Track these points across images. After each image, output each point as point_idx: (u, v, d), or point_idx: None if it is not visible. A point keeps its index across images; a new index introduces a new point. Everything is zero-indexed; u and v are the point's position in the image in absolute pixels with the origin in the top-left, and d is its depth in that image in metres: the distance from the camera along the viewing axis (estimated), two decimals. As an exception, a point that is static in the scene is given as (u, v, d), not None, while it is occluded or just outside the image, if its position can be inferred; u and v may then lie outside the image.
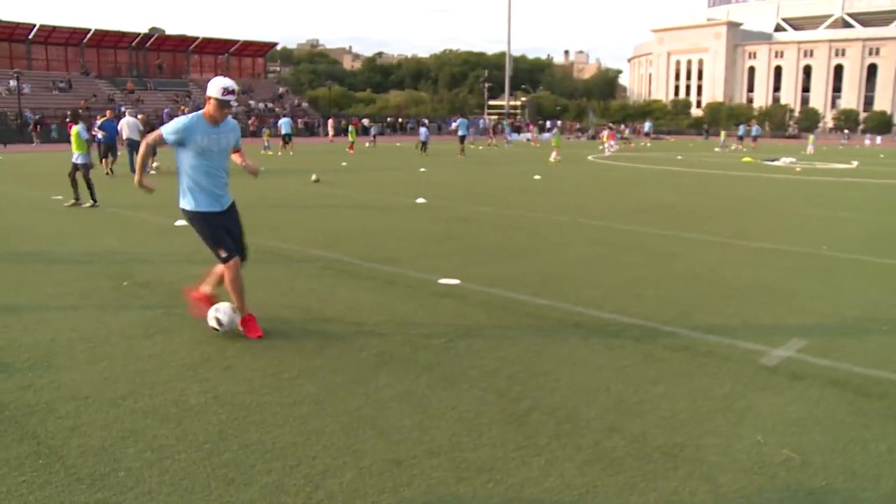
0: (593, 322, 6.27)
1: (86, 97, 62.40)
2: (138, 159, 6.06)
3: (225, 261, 5.85)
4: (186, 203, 5.83)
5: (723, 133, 59.48)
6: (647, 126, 66.50)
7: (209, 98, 5.70)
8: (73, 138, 14.34)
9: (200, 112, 5.81)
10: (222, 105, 5.67)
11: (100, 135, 22.09)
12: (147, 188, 6.02)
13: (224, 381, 4.78)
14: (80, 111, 45.34)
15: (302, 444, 3.87)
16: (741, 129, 55.19)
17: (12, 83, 61.20)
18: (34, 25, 69.01)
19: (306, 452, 3.78)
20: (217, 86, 5.68)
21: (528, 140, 63.84)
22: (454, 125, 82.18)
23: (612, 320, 6.32)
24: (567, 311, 6.62)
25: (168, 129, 5.72)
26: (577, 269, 8.55)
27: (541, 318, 6.40)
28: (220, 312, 5.69)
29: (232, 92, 5.72)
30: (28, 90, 62.96)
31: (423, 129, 43.37)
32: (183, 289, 6.58)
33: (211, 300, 6.04)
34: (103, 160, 22.01)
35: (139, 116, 24.79)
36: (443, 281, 7.70)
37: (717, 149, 51.22)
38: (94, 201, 13.98)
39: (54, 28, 70.31)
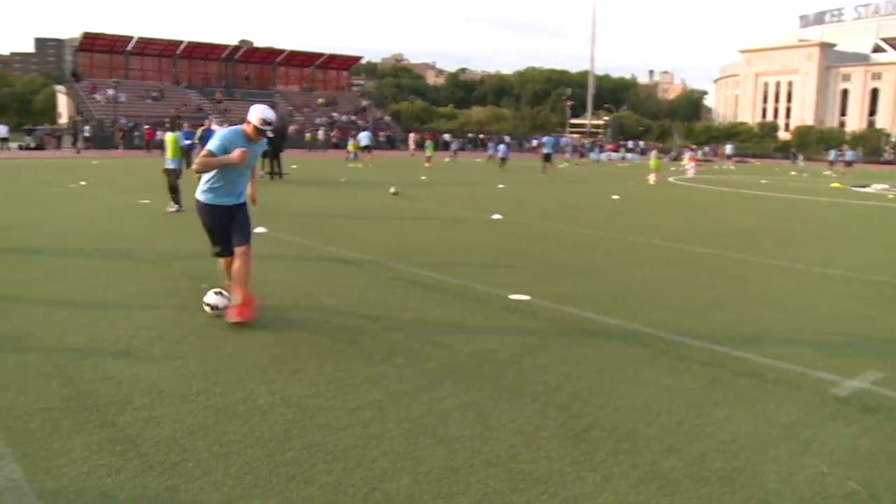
0: (661, 343, 6.24)
1: (176, 106, 64.46)
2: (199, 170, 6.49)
3: (217, 255, 6.77)
4: (203, 196, 6.59)
5: (801, 157, 58.02)
6: (729, 148, 65.10)
7: (250, 122, 6.37)
8: (169, 144, 14.86)
9: (241, 127, 6.49)
10: (259, 132, 6.40)
11: (187, 143, 22.54)
12: None
13: (292, 384, 4.94)
14: (168, 120, 47.00)
15: (362, 448, 3.99)
16: (832, 154, 53.63)
17: (110, 92, 63.81)
18: (132, 38, 71.83)
19: (366, 455, 3.90)
20: (258, 115, 6.35)
21: (608, 160, 63.38)
22: (535, 143, 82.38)
23: (680, 342, 6.29)
24: (635, 331, 6.61)
25: (214, 145, 6.37)
26: (649, 289, 8.51)
27: (608, 336, 6.41)
28: (210, 298, 6.59)
29: (269, 123, 6.40)
30: (124, 99, 65.48)
31: (502, 146, 43.52)
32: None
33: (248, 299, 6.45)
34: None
35: (225, 125, 25.46)
36: (513, 296, 7.76)
37: (792, 172, 50.04)
38: (179, 206, 14.47)
39: (150, 40, 73.06)
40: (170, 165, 14.77)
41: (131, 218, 13.74)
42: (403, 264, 9.47)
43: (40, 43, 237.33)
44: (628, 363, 5.66)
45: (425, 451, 3.98)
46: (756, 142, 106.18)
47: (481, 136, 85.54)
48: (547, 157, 36.34)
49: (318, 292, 7.68)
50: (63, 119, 73.53)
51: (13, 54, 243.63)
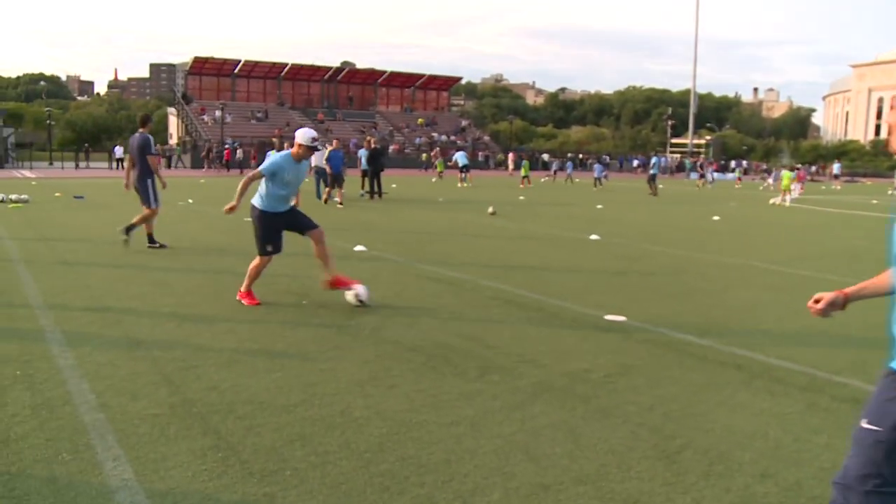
0: (757, 366, 6.12)
1: (280, 126, 66.43)
2: (239, 188, 7.95)
3: (264, 254, 8.05)
4: (259, 203, 7.93)
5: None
6: (836, 167, 62.70)
7: (300, 144, 7.79)
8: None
9: (289, 153, 7.97)
10: (310, 149, 7.85)
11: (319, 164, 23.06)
12: (232, 211, 8.06)
13: (387, 398, 5.07)
14: (275, 140, 48.44)
15: (455, 462, 4.07)
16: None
17: (217, 113, 66.26)
18: (240, 61, 74.49)
19: (458, 470, 3.97)
20: (307, 136, 7.79)
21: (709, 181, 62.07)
22: (636, 163, 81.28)
23: (777, 366, 6.15)
24: (731, 353, 6.50)
25: (266, 168, 7.86)
26: (746, 312, 8.34)
27: (703, 358, 6.32)
28: (359, 291, 7.36)
29: (316, 139, 7.87)
30: (230, 119, 67.89)
31: (597, 166, 43.27)
32: (323, 284, 8.26)
33: (339, 280, 8.08)
34: (328, 189, 22.50)
35: (328, 146, 25.79)
36: (608, 317, 7.74)
37: (890, 191, 47.87)
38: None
39: (256, 63, 75.60)
40: None
41: (236, 235, 14.24)
42: (500, 283, 9.54)
43: (154, 68, 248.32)
44: (723, 386, 5.58)
45: (516, 467, 4.03)
46: (868, 160, 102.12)
47: (581, 155, 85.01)
48: (652, 178, 35.59)
49: (414, 310, 7.83)
50: (174, 140, 76.69)
51: (130, 79, 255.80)
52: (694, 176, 62.60)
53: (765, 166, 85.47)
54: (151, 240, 12.31)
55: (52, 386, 5.18)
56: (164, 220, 17.00)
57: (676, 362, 6.18)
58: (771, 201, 33.40)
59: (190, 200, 23.38)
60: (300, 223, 8.12)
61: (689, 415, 4.93)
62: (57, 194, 25.43)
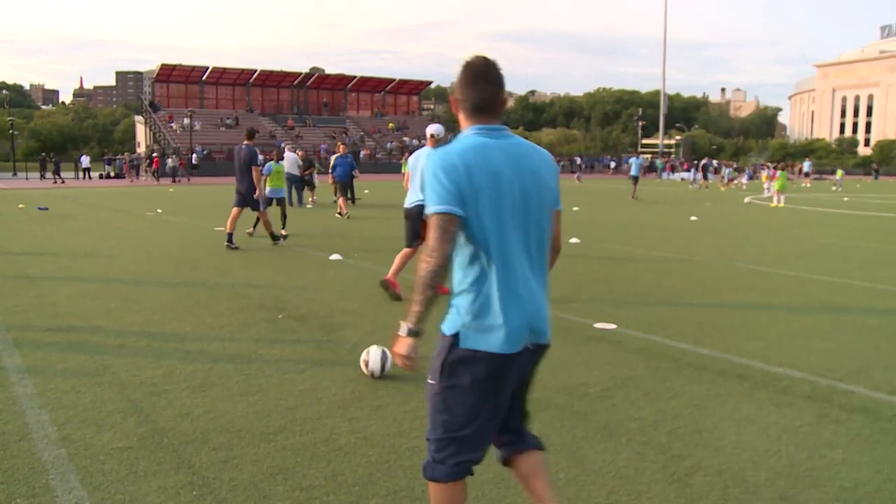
0: (759, 375, 5.85)
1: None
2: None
3: (413, 245, 8.74)
4: (417, 200, 8.51)
5: (839, 171, 56.00)
6: (806, 166, 62.85)
7: (433, 135, 8.84)
8: (276, 174, 15.27)
9: (428, 148, 8.80)
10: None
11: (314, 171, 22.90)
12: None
13: (374, 421, 4.73)
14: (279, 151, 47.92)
15: (451, 494, 3.73)
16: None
17: (186, 121, 65.47)
18: (207, 68, 73.65)
19: (456, 503, 3.63)
20: (439, 129, 8.84)
21: (685, 180, 62.31)
22: (612, 164, 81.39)
23: (779, 374, 5.89)
24: (729, 361, 6.23)
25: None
26: (737, 316, 8.08)
27: (701, 368, 6.04)
28: (369, 356, 5.70)
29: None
30: (199, 127, 67.08)
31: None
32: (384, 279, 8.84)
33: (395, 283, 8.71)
34: (342, 198, 21.72)
35: (298, 152, 25.20)
36: (598, 325, 7.45)
37: (833, 187, 48.59)
38: (284, 237, 14.61)
39: (225, 70, 74.79)
40: (280, 195, 15.30)
41: (206, 245, 13.82)
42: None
43: (121, 76, 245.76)
44: (726, 397, 5.30)
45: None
46: (834, 158, 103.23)
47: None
48: (635, 180, 34.54)
49: (395, 322, 7.45)
50: (141, 148, 75.68)
51: (96, 88, 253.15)
52: (685, 176, 62.63)
53: (735, 165, 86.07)
54: (275, 237, 14.02)
55: (8, 418, 4.78)
56: (134, 230, 16.53)
57: (674, 373, 5.90)
58: (745, 200, 33.42)
59: (159, 210, 22.84)
60: None
61: (695, 431, 4.64)
62: (20, 206, 24.76)
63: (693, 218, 22.00)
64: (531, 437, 3.12)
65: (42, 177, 53.84)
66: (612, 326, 7.39)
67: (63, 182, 47.26)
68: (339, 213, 21.01)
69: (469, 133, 2.76)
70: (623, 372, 5.89)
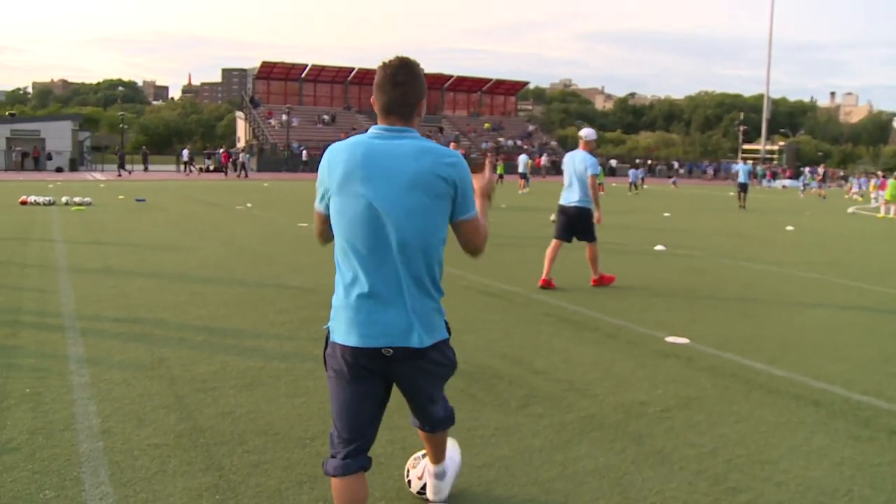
0: (838, 403, 5.43)
1: (345, 129, 66.65)
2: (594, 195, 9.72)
3: (595, 240, 9.86)
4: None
5: None
6: None
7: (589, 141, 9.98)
8: None
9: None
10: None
11: None
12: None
13: (416, 432, 4.51)
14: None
15: (481, 517, 3.53)
16: None
17: (284, 117, 66.84)
18: (307, 65, 75.01)
19: (484, 527, 3.43)
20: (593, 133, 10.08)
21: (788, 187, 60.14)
22: (710, 170, 79.32)
23: (861, 403, 5.44)
24: (806, 385, 5.81)
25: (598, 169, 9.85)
26: (823, 335, 7.58)
27: (774, 391, 5.64)
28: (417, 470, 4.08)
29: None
30: (297, 123, 68.38)
31: (632, 171, 42.77)
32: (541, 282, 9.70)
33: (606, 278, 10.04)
34: None
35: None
36: (670, 339, 7.09)
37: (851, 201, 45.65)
38: None
39: (323, 67, 76.02)
40: None
41: (286, 241, 13.94)
42: (556, 298, 8.96)
43: (226, 73, 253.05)
44: (798, 426, 4.91)
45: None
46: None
47: (650, 161, 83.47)
48: (743, 188, 30.63)
49: (460, 327, 7.22)
50: (241, 143, 77.64)
51: (203, 84, 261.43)
52: (787, 183, 60.28)
53: (842, 173, 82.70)
54: None
55: (58, 407, 4.81)
56: (219, 224, 16.84)
57: (744, 395, 5.52)
58: (849, 210, 31.96)
59: (249, 205, 23.27)
60: None
61: (756, 462, 4.29)
62: (120, 197, 25.63)
63: (789, 228, 21.08)
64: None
65: (145, 169, 55.76)
66: (684, 341, 7.02)
67: (129, 174, 48.41)
68: None
69: (367, 132, 2.84)
70: (688, 391, 5.55)
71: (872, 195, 37.24)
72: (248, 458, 4.10)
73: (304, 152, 61.43)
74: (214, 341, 6.58)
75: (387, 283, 2.75)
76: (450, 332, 3.03)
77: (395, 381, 2.94)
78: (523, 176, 37.92)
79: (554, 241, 9.88)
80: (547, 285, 9.64)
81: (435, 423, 3.27)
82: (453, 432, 4.56)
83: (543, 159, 65.80)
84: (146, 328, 6.96)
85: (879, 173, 45.56)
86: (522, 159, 39.40)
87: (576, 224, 9.78)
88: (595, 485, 3.91)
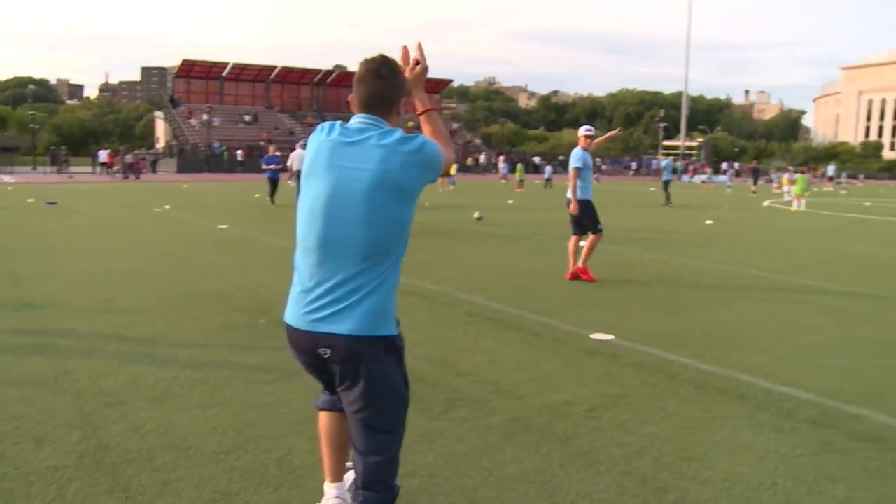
0: (761, 395, 5.44)
1: (268, 129, 65.68)
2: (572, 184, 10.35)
3: (600, 231, 10.39)
4: (584, 194, 10.25)
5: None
6: (830, 169, 61.30)
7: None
8: None
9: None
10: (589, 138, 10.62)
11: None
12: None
13: (336, 442, 4.36)
14: (262, 143, 47.75)
15: (404, 530, 3.37)
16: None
17: (205, 117, 65.50)
18: (228, 64, 73.63)
19: (407, 541, 3.28)
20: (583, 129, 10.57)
21: (702, 182, 61.57)
22: (633, 166, 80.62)
23: (783, 394, 5.47)
24: (731, 379, 5.82)
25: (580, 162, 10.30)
26: (746, 328, 7.65)
27: (701, 386, 5.63)
28: None
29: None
30: (217, 123, 67.08)
31: (547, 167, 43.78)
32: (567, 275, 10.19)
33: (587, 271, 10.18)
34: None
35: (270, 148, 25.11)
36: (595, 336, 7.04)
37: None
38: None
39: (245, 66, 74.74)
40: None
41: (205, 244, 13.54)
42: (480, 297, 8.85)
43: (146, 72, 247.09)
44: (723, 421, 4.89)
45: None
46: (858, 162, 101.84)
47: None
48: (666, 184, 30.48)
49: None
50: (160, 143, 75.87)
51: (121, 83, 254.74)
52: (705, 178, 61.56)
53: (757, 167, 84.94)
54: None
55: (-51, 428, 4.47)
56: (136, 227, 16.29)
57: (670, 391, 5.49)
58: (764, 204, 32.80)
59: (167, 206, 22.64)
60: None
61: (683, 459, 4.24)
62: (29, 200, 24.65)
63: (708, 222, 21.48)
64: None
65: (59, 171, 53.94)
66: (609, 337, 6.98)
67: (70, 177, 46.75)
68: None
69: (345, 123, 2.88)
70: (615, 389, 5.49)
71: (785, 189, 38.27)
72: (156, 476, 3.86)
73: (240, 152, 60.28)
74: (126, 350, 6.27)
75: (328, 274, 2.76)
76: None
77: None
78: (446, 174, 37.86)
79: (572, 237, 10.46)
80: (575, 276, 10.22)
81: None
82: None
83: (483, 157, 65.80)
84: (52, 339, 6.60)
85: (791, 168, 46.81)
86: None
87: (578, 216, 10.31)
88: (522, 490, 3.79)
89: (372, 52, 2.93)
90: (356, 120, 2.84)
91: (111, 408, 4.86)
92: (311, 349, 2.78)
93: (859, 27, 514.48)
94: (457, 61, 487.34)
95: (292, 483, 3.82)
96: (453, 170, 41.43)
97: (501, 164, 56.31)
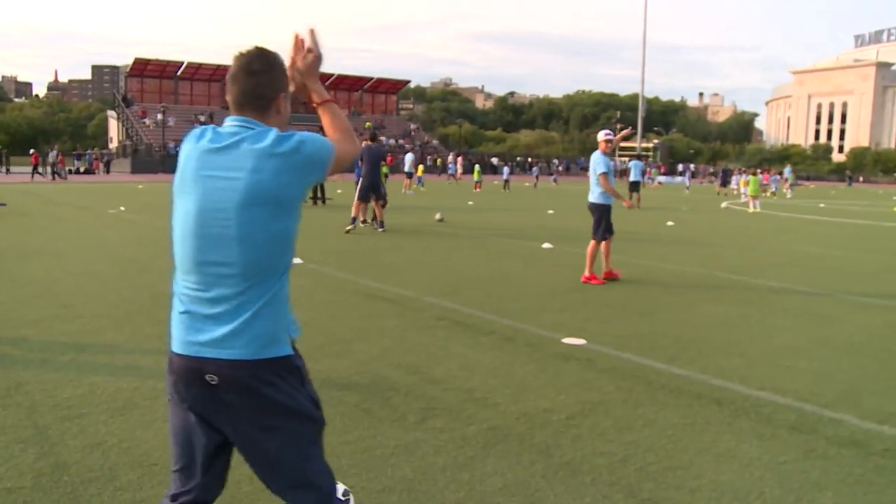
0: (738, 400, 5.37)
1: (226, 130, 64.84)
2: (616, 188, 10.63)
3: (606, 238, 10.45)
4: (605, 199, 10.48)
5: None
6: (786, 171, 61.82)
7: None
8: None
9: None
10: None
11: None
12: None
13: (308, 455, 4.18)
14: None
15: (386, 551, 3.21)
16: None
17: (159, 116, 64.50)
18: (182, 63, 72.59)
19: (390, 563, 3.12)
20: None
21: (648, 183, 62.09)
22: (589, 167, 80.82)
23: (760, 399, 5.40)
24: (707, 384, 5.74)
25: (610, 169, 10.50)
26: (716, 330, 7.61)
27: (676, 391, 5.55)
28: None
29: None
30: (172, 123, 66.09)
31: (505, 168, 44.02)
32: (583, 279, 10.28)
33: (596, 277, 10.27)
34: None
35: None
36: (567, 340, 6.93)
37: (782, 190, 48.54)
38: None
39: (200, 65, 73.76)
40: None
41: (163, 247, 13.14)
42: (449, 301, 8.69)
43: (97, 70, 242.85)
44: (704, 427, 4.80)
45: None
46: (809, 164, 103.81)
47: (530, 159, 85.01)
48: (635, 187, 28.44)
49: (350, 336, 6.91)
50: (114, 143, 74.56)
51: (71, 81, 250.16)
52: (662, 180, 62.09)
53: (711, 169, 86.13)
54: (381, 224, 16.54)
55: None
56: (89, 229, 15.85)
57: (647, 397, 5.40)
58: (722, 205, 33.12)
59: (122, 208, 22.12)
60: None
61: (668, 468, 4.14)
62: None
63: (669, 223, 21.59)
64: None
65: (7, 171, 52.60)
66: (581, 342, 6.87)
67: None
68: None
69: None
70: (591, 396, 5.38)
71: (743, 191, 38.71)
72: (120, 496, 3.65)
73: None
74: (83, 360, 6.01)
75: (200, 291, 2.45)
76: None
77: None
78: (409, 175, 37.72)
79: (591, 241, 10.47)
80: (608, 276, 10.49)
81: None
82: (351, 452, 4.23)
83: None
84: (3, 349, 6.30)
85: (743, 170, 47.33)
86: (408, 158, 39.24)
87: (597, 219, 10.44)
88: (505, 503, 3.65)
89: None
90: (228, 122, 2.51)
91: (69, 421, 4.62)
92: (196, 376, 2.40)
93: (810, 32, 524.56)
94: (414, 62, 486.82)
95: (266, 500, 3.63)
96: (420, 170, 41.27)
97: (450, 164, 54.34)
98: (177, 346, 2.45)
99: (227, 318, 2.38)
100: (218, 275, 2.39)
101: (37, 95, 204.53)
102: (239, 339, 2.37)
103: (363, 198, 16.35)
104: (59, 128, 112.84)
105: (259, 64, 2.50)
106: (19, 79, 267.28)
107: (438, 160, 73.64)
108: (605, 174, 10.22)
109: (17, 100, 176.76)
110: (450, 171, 41.26)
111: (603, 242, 10.44)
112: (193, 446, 2.53)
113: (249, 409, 2.40)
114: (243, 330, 2.37)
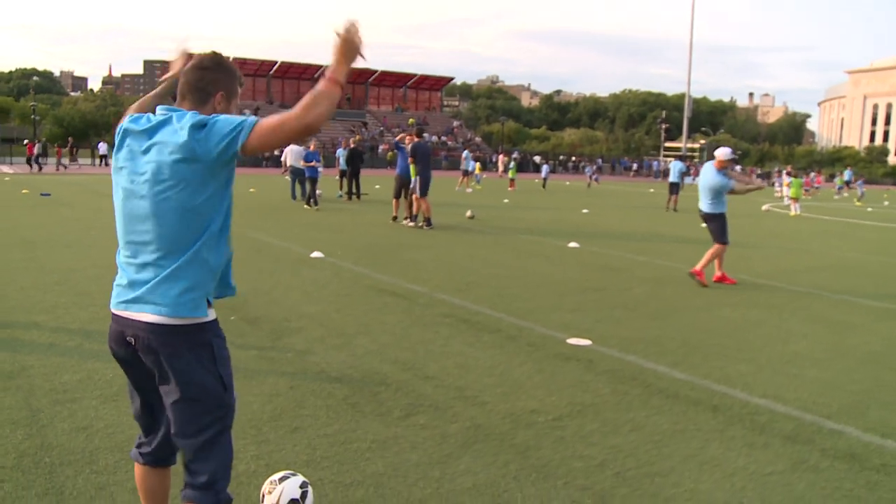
0: (736, 407, 5.27)
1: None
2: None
3: (727, 242, 10.69)
4: (723, 208, 10.84)
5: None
6: (847, 174, 58.66)
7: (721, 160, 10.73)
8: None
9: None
10: (732, 161, 10.95)
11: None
12: None
13: (285, 446, 4.21)
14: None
15: (340, 546, 3.21)
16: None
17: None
18: (229, 58, 73.35)
19: (341, 559, 3.12)
20: (727, 153, 10.78)
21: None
22: (634, 167, 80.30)
23: (759, 407, 5.30)
24: (707, 389, 5.65)
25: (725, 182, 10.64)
26: (728, 335, 7.48)
27: (674, 396, 5.46)
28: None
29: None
30: (219, 117, 66.82)
31: (545, 167, 43.46)
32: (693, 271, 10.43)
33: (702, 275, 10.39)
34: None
35: (311, 144, 23.15)
36: (572, 341, 6.87)
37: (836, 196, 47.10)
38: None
39: (245, 60, 74.51)
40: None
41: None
42: (460, 298, 8.68)
43: (148, 65, 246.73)
44: (693, 434, 4.72)
45: None
46: (863, 167, 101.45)
47: (573, 158, 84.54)
48: (674, 188, 27.39)
49: (352, 330, 6.94)
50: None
51: (124, 76, 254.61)
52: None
53: (759, 171, 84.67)
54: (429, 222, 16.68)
55: None
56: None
57: (642, 401, 5.32)
58: (763, 208, 32.56)
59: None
60: None
61: (647, 474, 4.08)
62: (24, 191, 24.49)
63: (704, 226, 21.19)
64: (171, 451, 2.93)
65: (58, 163, 53.54)
66: (586, 343, 6.81)
67: (40, 169, 44.24)
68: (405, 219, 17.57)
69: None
70: (584, 398, 5.33)
71: (785, 193, 37.98)
72: (94, 479, 3.71)
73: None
74: (88, 347, 6.12)
75: (135, 256, 2.67)
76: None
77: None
78: (466, 172, 37.45)
79: (716, 247, 10.78)
80: (721, 280, 10.76)
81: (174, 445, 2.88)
82: (328, 444, 4.24)
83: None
84: (15, 332, 6.45)
85: (784, 173, 45.93)
86: (466, 155, 39.03)
87: (712, 226, 10.86)
88: (471, 503, 3.63)
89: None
90: (159, 110, 2.64)
91: (61, 405, 4.71)
92: (120, 337, 2.65)
93: (866, 31, 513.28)
94: (461, 60, 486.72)
95: (233, 488, 3.64)
96: (478, 168, 40.69)
97: (464, 159, 49.39)
98: (112, 306, 2.70)
99: (150, 281, 2.56)
100: (145, 249, 2.59)
101: (91, 90, 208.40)
102: (155, 300, 2.54)
103: (423, 194, 16.48)
104: (109, 121, 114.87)
105: (209, 62, 2.75)
106: (76, 74, 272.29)
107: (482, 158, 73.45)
108: (731, 191, 10.64)
109: (73, 94, 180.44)
110: (469, 169, 37.93)
111: (717, 246, 10.66)
112: (137, 398, 2.84)
113: (158, 373, 2.59)
114: (161, 290, 2.54)
